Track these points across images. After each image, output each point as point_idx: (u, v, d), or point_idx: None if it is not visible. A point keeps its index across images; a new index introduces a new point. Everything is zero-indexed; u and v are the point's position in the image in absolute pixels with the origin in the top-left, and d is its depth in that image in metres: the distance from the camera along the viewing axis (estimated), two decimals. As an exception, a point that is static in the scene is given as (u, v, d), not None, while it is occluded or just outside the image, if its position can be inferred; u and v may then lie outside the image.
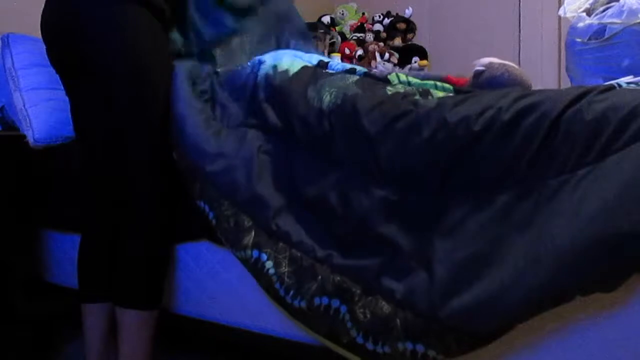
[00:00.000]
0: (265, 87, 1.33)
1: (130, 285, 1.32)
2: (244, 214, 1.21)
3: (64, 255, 1.66)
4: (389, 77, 1.29)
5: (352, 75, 1.29)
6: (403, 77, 1.29)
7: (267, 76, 1.34)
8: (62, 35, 1.31)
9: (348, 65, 1.37)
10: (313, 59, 1.42)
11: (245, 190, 1.22)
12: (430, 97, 1.17)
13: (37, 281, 1.70)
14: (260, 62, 1.39)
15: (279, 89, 1.30)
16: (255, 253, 1.18)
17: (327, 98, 1.22)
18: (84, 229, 1.44)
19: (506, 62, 1.48)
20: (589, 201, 0.92)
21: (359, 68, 1.35)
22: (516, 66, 1.49)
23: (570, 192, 0.96)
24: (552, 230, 0.94)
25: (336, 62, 1.42)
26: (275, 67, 1.36)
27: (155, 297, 1.34)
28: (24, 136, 1.69)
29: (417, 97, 1.18)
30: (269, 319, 1.28)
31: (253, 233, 1.20)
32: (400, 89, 1.22)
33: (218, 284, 1.38)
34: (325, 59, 1.46)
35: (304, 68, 1.35)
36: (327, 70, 1.34)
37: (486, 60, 1.50)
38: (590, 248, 0.90)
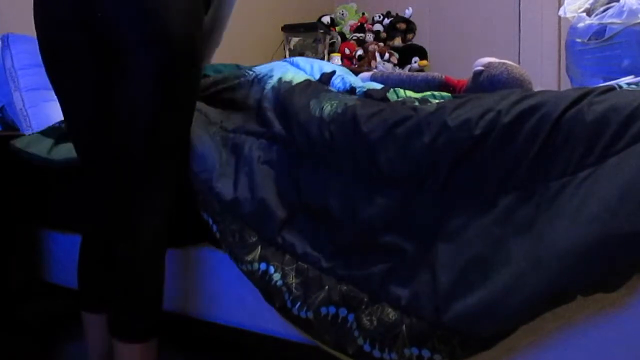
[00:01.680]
0: (271, 98, 1.35)
1: (126, 315, 1.17)
2: (249, 228, 1.21)
3: (64, 255, 1.65)
4: (387, 95, 1.29)
5: (351, 96, 1.30)
6: (402, 94, 1.30)
7: (273, 88, 1.37)
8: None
9: (349, 85, 1.38)
10: (315, 71, 1.45)
11: (249, 203, 1.22)
12: (429, 104, 1.17)
13: (37, 281, 1.70)
14: (270, 76, 1.41)
15: (282, 98, 1.32)
16: (263, 266, 1.18)
17: (327, 108, 1.23)
18: (85, 230, 1.34)
19: (506, 61, 1.48)
20: (590, 203, 0.92)
21: (359, 88, 1.36)
22: (516, 65, 1.49)
23: (571, 194, 0.96)
24: (554, 232, 0.94)
25: (338, 79, 1.44)
26: (280, 79, 1.38)
27: (154, 326, 1.19)
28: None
29: (417, 103, 1.18)
30: (269, 319, 1.28)
31: (259, 247, 1.20)
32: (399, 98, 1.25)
33: (218, 284, 1.38)
34: (328, 69, 1.46)
35: (307, 81, 1.37)
36: (329, 88, 1.36)
37: (485, 60, 1.50)
38: (592, 249, 0.90)
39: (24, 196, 1.65)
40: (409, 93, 1.30)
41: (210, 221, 1.25)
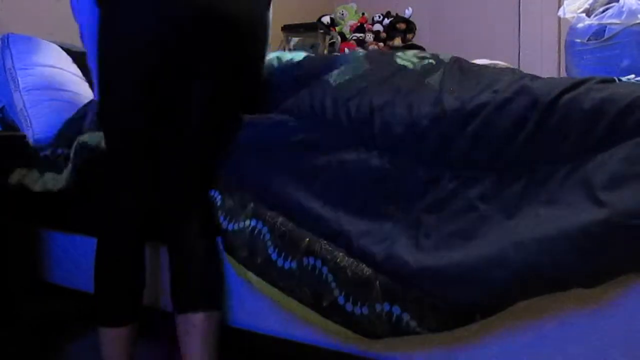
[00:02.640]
0: (279, 74, 1.39)
1: (201, 286, 1.27)
2: (247, 191, 1.25)
3: (64, 255, 1.66)
4: (395, 59, 1.31)
5: (362, 60, 1.32)
6: (409, 57, 1.31)
7: (278, 66, 1.41)
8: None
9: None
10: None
11: (251, 173, 1.26)
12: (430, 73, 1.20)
13: (37, 281, 1.70)
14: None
15: (292, 73, 1.37)
16: (253, 222, 1.22)
17: (339, 78, 1.27)
18: (105, 233, 1.30)
19: (498, 62, 1.50)
20: (579, 193, 0.93)
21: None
22: (508, 65, 1.51)
23: (560, 181, 0.96)
24: (540, 217, 0.95)
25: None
26: (278, 57, 1.43)
27: (220, 296, 1.31)
28: (24, 136, 1.70)
29: (425, 75, 1.21)
30: (269, 319, 1.28)
31: (252, 204, 1.23)
32: (408, 64, 1.27)
33: (218, 284, 1.38)
34: None
35: (309, 56, 1.41)
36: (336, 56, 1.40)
37: (479, 62, 1.52)
38: (576, 239, 0.90)
39: (24, 196, 1.65)
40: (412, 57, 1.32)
41: (216, 193, 1.30)
